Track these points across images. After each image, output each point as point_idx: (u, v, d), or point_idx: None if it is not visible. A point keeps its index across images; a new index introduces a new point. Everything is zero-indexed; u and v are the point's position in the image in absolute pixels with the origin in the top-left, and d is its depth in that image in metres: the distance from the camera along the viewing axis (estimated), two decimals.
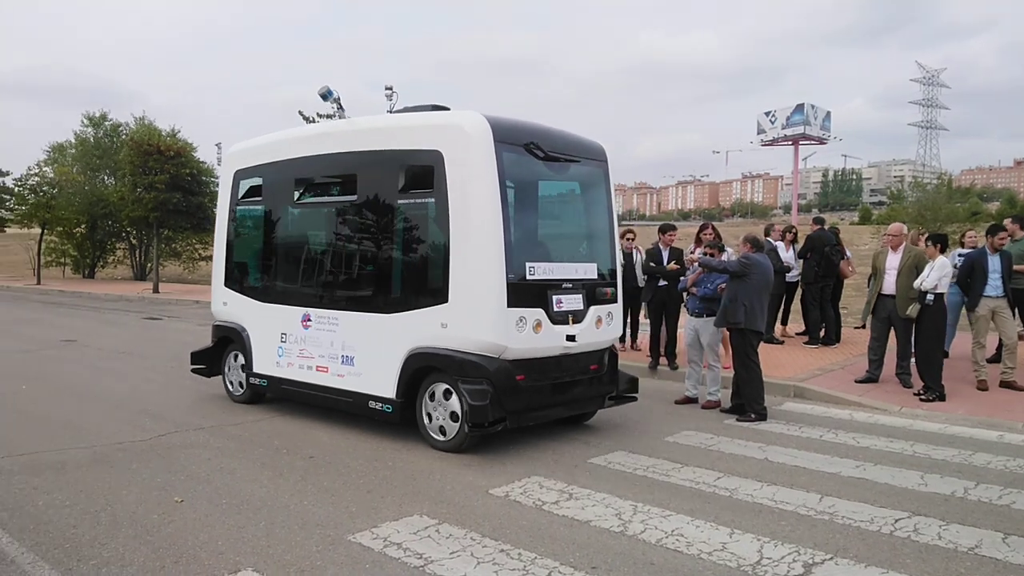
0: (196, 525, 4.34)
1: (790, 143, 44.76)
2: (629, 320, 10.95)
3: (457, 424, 5.91)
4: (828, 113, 44.38)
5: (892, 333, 8.67)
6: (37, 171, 31.86)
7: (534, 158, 6.24)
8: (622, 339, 11.02)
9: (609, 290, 6.74)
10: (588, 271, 6.65)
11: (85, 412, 7.29)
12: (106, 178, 32.39)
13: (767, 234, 11.48)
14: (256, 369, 7.55)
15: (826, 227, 11.89)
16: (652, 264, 9.55)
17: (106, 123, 33.83)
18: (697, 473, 5.49)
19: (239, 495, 4.89)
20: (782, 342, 11.62)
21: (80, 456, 5.72)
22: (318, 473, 5.41)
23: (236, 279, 8.04)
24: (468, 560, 3.87)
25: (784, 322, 12.22)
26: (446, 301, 5.94)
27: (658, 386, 9.02)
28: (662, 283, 9.50)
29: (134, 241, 32.71)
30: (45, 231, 30.52)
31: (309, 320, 7.05)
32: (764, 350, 10.09)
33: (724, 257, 8.13)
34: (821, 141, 45.13)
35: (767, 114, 44.27)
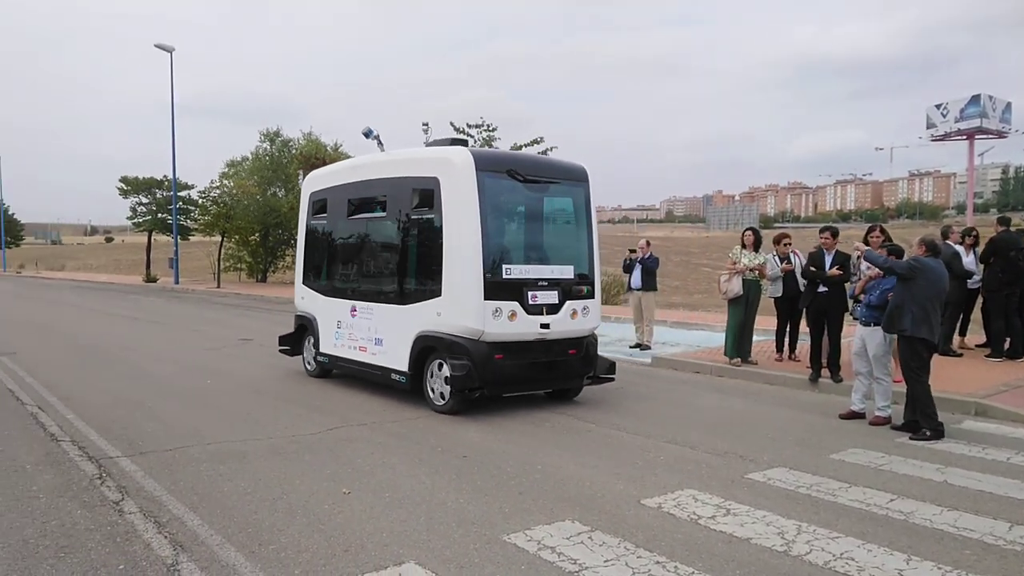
0: (362, 516, 4.59)
1: (964, 138, 41.02)
2: (788, 329, 10.44)
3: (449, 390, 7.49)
4: (1008, 104, 40.26)
5: None
6: (218, 184, 35.06)
7: (515, 180, 7.77)
8: (779, 348, 10.54)
9: (584, 288, 8.11)
10: (564, 272, 8.02)
11: (262, 406, 7.92)
12: (278, 190, 34.95)
13: (945, 237, 10.57)
14: (322, 349, 9.47)
15: (1011, 229, 10.76)
16: (812, 268, 9.04)
17: (278, 139, 36.63)
18: (867, 494, 5.13)
19: (400, 489, 5.11)
20: (960, 354, 10.63)
21: (259, 447, 6.21)
22: (472, 472, 5.55)
23: (309, 278, 9.98)
24: (623, 570, 3.83)
25: (963, 333, 11.18)
26: (440, 295, 7.61)
27: (820, 400, 8.52)
28: (822, 289, 8.96)
29: None
30: (224, 239, 33.48)
31: (355, 311, 8.88)
32: (941, 363, 9.32)
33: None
34: (1000, 135, 41.05)
35: (938, 107, 40.82)
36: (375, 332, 8.52)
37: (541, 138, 19.72)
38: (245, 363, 10.98)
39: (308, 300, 9.92)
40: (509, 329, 7.50)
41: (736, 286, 10.05)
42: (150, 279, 37.77)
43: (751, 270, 10.06)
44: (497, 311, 7.40)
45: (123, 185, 41.06)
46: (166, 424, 6.98)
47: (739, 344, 10.22)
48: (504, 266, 7.58)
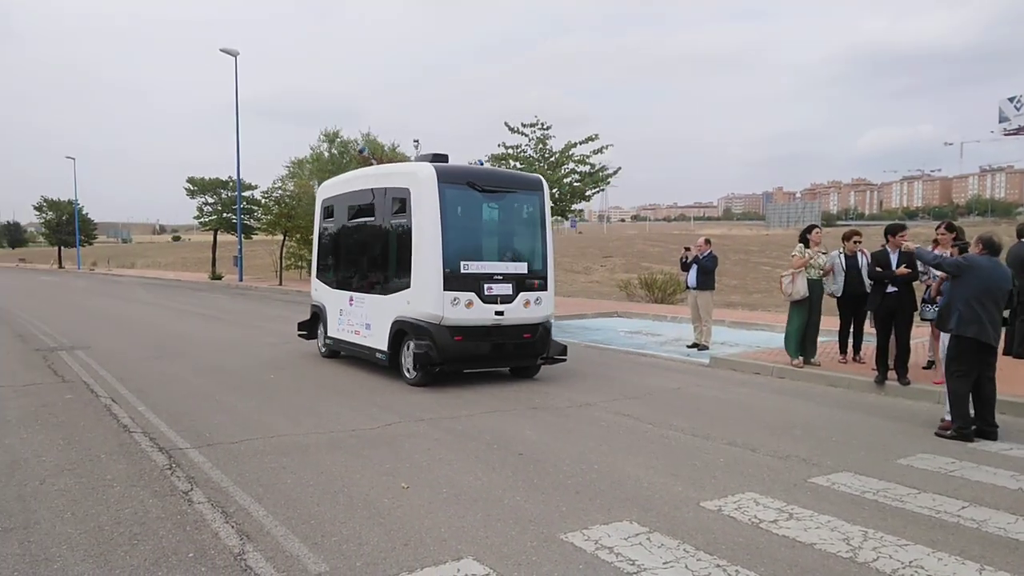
0: (421, 511, 4.65)
1: None
2: (852, 330, 10.14)
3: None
4: None
5: None
6: (280, 184, 35.93)
7: (474, 191, 9.16)
8: (843, 350, 10.26)
9: (536, 281, 9.36)
10: (519, 268, 9.31)
11: (322, 400, 8.09)
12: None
13: (1020, 235, 10.11)
14: (329, 333, 11.12)
15: None
16: (879, 269, 8.76)
17: (337, 139, 37.34)
18: (937, 501, 4.95)
19: (457, 486, 5.16)
20: None
21: (320, 440, 6.35)
22: (527, 470, 5.56)
23: (321, 273, 11.66)
24: (682, 572, 3.78)
25: None
26: (410, 287, 9.01)
27: (887, 403, 8.26)
28: (892, 289, 8.67)
29: None
30: (286, 238, 34.30)
31: (352, 300, 10.44)
32: (1014, 365, 8.93)
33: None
34: None
35: (1011, 100, 39.33)
36: (366, 318, 10.09)
37: (596, 135, 19.54)
38: (306, 358, 11.24)
39: (320, 292, 11.65)
40: (466, 315, 8.84)
41: (801, 287, 9.79)
42: (215, 277, 38.99)
43: (816, 269, 9.80)
44: (455, 300, 8.76)
45: (190, 186, 42.48)
46: (232, 417, 7.20)
47: (802, 345, 9.98)
48: (462, 262, 8.87)
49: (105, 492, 4.94)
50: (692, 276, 12.53)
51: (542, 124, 19.83)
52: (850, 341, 10.22)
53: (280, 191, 35.08)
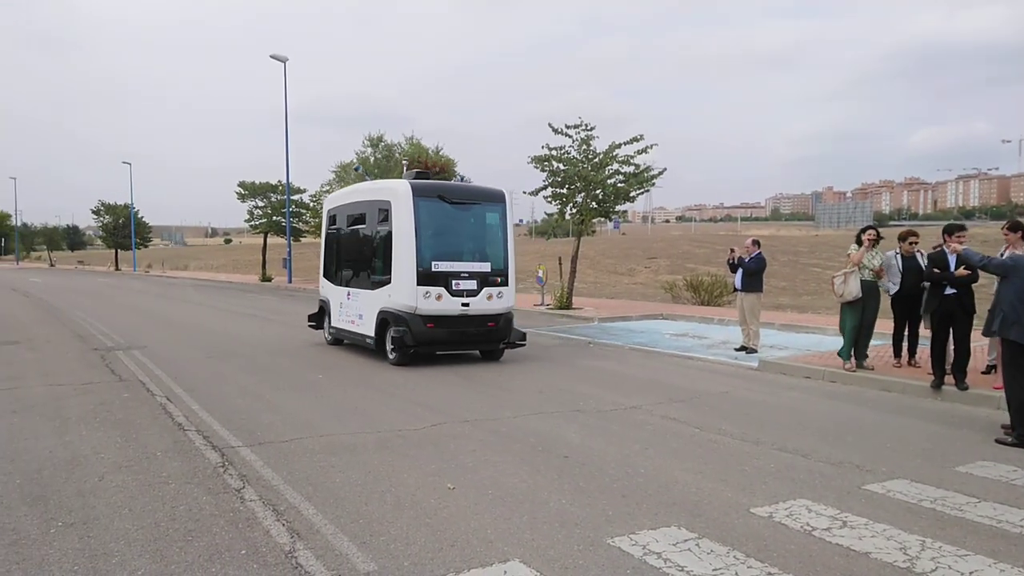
0: (467, 512, 4.66)
1: None
2: (907, 333, 9.86)
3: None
4: None
5: None
6: (328, 188, 36.47)
7: (445, 203, 10.88)
8: (897, 353, 10.00)
9: (499, 278, 10.99)
10: (483, 267, 10.94)
11: (369, 400, 8.19)
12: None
13: None
14: (332, 324, 12.91)
15: None
16: (936, 270, 8.49)
17: (381, 143, 37.78)
18: (998, 510, 4.78)
19: (503, 487, 5.16)
20: None
21: (367, 440, 6.42)
22: (573, 473, 5.54)
23: (326, 272, 13.41)
24: None
25: None
26: (391, 283, 10.76)
27: (944, 408, 8.01)
28: (949, 291, 8.39)
29: None
30: None
31: (349, 295, 12.27)
32: None
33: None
34: None
35: None
36: (359, 310, 11.83)
37: (641, 135, 19.40)
38: (354, 358, 11.39)
39: (326, 288, 13.43)
40: (437, 307, 10.48)
41: (854, 287, 9.55)
42: (265, 278, 39.79)
43: (870, 270, 9.56)
44: (427, 294, 10.42)
45: (241, 190, 43.38)
46: (283, 416, 7.34)
47: (856, 347, 9.74)
48: (434, 262, 10.51)
49: (161, 489, 5.08)
50: (738, 278, 12.36)
51: (586, 125, 19.76)
52: (905, 344, 9.94)
53: (326, 193, 35.62)
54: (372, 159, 37.38)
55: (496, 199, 11.47)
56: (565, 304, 19.85)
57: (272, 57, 34.11)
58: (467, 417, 7.35)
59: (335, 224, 13.17)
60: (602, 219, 23.91)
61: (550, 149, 20.01)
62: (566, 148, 20.03)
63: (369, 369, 10.46)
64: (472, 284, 10.72)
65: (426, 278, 10.42)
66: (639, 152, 19.43)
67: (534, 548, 4.11)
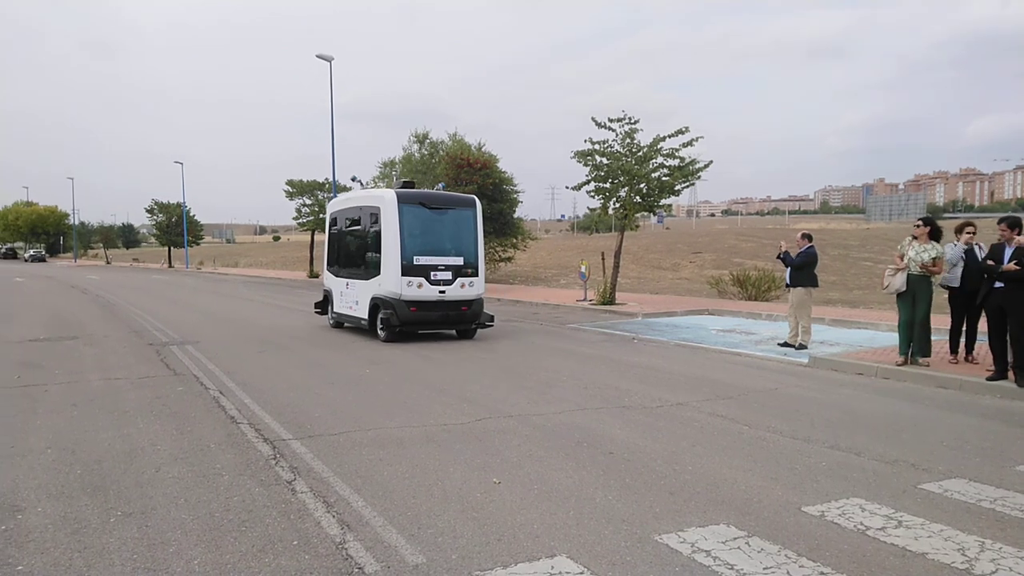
0: (513, 507, 4.68)
1: None
2: (965, 328, 9.57)
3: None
4: None
5: None
6: (373, 185, 36.87)
7: (425, 208, 13.14)
8: (953, 349, 9.72)
9: (469, 270, 13.19)
10: (456, 261, 13.14)
11: (414, 394, 8.27)
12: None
13: None
14: (334, 309, 15.17)
15: None
16: (990, 262, 8.22)
17: (426, 140, 38.05)
18: None
19: (548, 482, 5.16)
20: None
21: (414, 433, 6.49)
22: (618, 469, 5.51)
23: (329, 266, 15.65)
24: None
25: None
26: (380, 274, 12.97)
27: (1002, 406, 7.75)
28: (998, 285, 8.12)
29: None
30: None
31: (348, 285, 14.50)
32: None
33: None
34: None
35: None
36: (355, 297, 14.06)
37: (686, 128, 19.15)
38: (399, 353, 11.51)
39: (328, 279, 15.65)
40: (418, 293, 12.73)
41: (898, 281, 9.37)
42: (313, 275, 40.44)
43: (917, 264, 9.32)
44: (410, 283, 12.67)
45: (289, 188, 44.14)
46: (332, 409, 7.46)
47: (909, 343, 9.50)
48: (415, 257, 12.76)
49: (215, 480, 5.21)
50: (788, 272, 12.20)
51: (630, 119, 19.61)
52: (962, 340, 9.64)
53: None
54: (417, 155, 37.71)
55: (468, 204, 13.80)
56: (608, 300, 19.75)
57: (318, 57, 34.60)
58: (511, 412, 7.36)
59: (336, 225, 15.46)
60: (646, 213, 23.71)
61: (593, 143, 19.91)
62: (609, 142, 19.91)
63: (415, 364, 10.56)
64: (448, 275, 12.96)
65: (409, 270, 12.66)
66: (684, 145, 19.21)
67: (581, 544, 4.10)
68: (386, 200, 12.94)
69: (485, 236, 33.56)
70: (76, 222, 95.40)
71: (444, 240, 13.28)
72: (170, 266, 63.78)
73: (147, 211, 64.79)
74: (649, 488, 5.08)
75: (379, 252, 12.95)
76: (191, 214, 66.68)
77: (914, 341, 9.48)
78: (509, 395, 8.27)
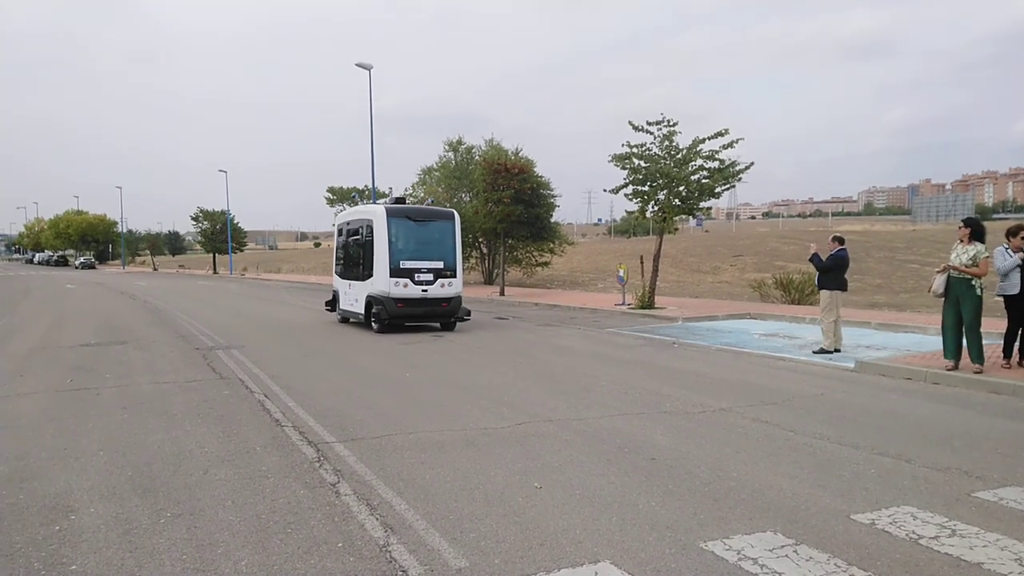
0: (555, 512, 4.66)
1: None
2: (1022, 332, 9.27)
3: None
4: None
5: None
6: (411, 192, 37.16)
7: (410, 220, 15.47)
8: (1007, 354, 9.44)
9: (448, 272, 15.37)
10: (437, 264, 15.31)
11: (454, 398, 8.30)
12: (464, 195, 36.48)
13: None
14: (340, 307, 17.73)
15: None
16: None
17: (461, 147, 38.22)
18: None
19: (590, 488, 5.13)
20: None
21: (454, 437, 6.51)
22: (661, 475, 5.45)
23: (336, 270, 18.20)
24: None
25: None
26: (373, 276, 15.28)
27: None
28: None
29: (484, 250, 36.48)
30: None
31: (350, 286, 16.95)
32: None
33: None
34: None
35: None
36: (355, 296, 16.47)
37: (726, 130, 18.92)
38: (438, 357, 11.57)
39: (336, 281, 18.21)
40: (404, 292, 14.93)
41: (937, 284, 9.24)
42: None
43: (954, 268, 9.12)
44: (397, 283, 14.89)
45: (329, 194, 44.79)
46: (374, 413, 7.53)
47: (957, 347, 9.25)
48: (401, 262, 14.99)
49: (261, 482, 5.29)
50: (817, 275, 12.28)
51: (668, 121, 19.46)
52: (1017, 345, 9.35)
53: (411, 198, 36.28)
54: (453, 163, 37.90)
55: (448, 217, 16.10)
56: (647, 303, 19.59)
57: (357, 65, 35.04)
58: (550, 417, 7.34)
59: (341, 235, 18.03)
60: (684, 217, 23.48)
61: (631, 147, 19.81)
62: (647, 145, 19.78)
63: (453, 369, 10.61)
64: (430, 276, 15.17)
65: (396, 272, 14.91)
66: (724, 147, 19.00)
67: (624, 549, 4.07)
68: (377, 214, 15.42)
69: (521, 241, 34.07)
70: (124, 230, 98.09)
71: (426, 247, 15.50)
72: (215, 272, 65.09)
73: (192, 219, 66.27)
74: (693, 494, 5.01)
75: (371, 258, 15.34)
76: (235, 221, 68.00)
77: (970, 346, 9.22)
78: (548, 399, 8.25)
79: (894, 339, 13.28)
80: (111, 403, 8.16)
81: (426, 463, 5.73)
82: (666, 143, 19.57)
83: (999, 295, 9.33)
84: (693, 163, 19.41)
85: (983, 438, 6.50)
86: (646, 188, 19.91)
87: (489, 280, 35.36)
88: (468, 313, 16.00)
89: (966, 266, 9.04)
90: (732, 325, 16.29)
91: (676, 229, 22.68)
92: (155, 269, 77.36)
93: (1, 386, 9.30)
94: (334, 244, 18.77)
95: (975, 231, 9.26)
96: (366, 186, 43.01)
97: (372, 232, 15.37)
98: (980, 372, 9.02)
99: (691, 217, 25.14)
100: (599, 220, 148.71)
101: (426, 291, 15.06)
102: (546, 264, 34.68)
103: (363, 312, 15.83)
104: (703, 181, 19.48)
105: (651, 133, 19.63)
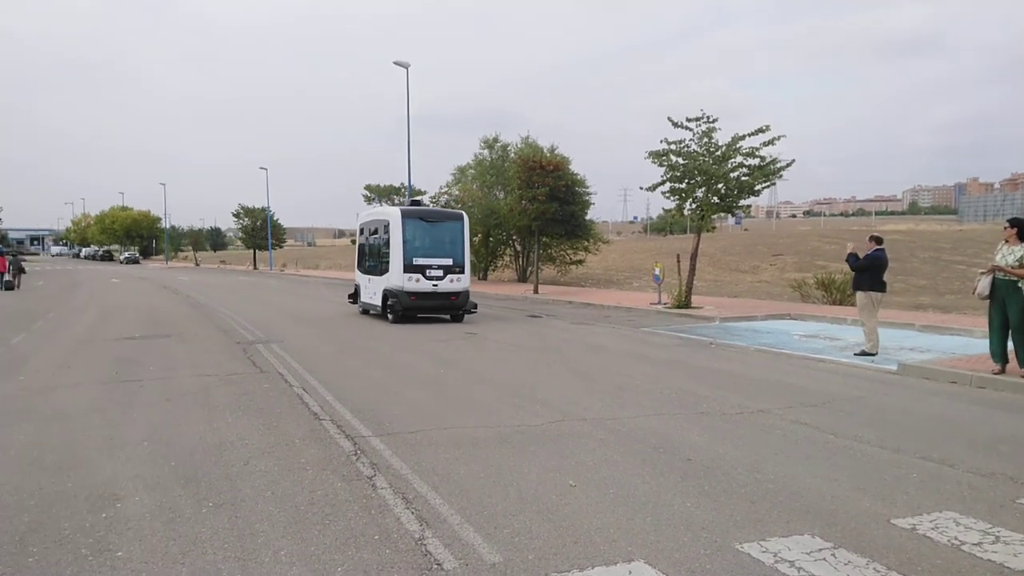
0: (589, 510, 4.66)
1: None
2: None
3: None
4: None
5: None
6: (446, 190, 37.37)
7: (423, 221, 17.08)
8: None
9: (457, 268, 16.83)
10: (447, 261, 16.77)
11: (489, 395, 8.33)
12: (498, 193, 36.53)
13: None
14: (361, 300, 19.13)
15: None
16: None
17: (496, 144, 38.27)
18: None
19: (624, 487, 5.12)
20: None
21: (488, 434, 6.55)
22: (697, 476, 5.42)
23: (359, 266, 19.65)
24: None
25: None
26: (389, 272, 16.80)
27: None
28: None
29: (518, 247, 36.51)
30: None
31: (369, 281, 18.44)
32: None
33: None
34: None
35: None
36: (374, 289, 17.94)
37: (767, 126, 18.67)
38: (472, 354, 11.63)
39: (358, 276, 19.65)
40: (417, 286, 16.39)
41: (981, 285, 8.99)
42: None
43: (1000, 270, 8.87)
44: (410, 278, 16.35)
45: (367, 192, 45.22)
46: (408, 408, 7.60)
47: (1003, 350, 9.01)
48: (414, 259, 16.46)
49: (300, 474, 5.39)
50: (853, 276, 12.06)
51: (708, 117, 19.26)
52: None
53: (447, 196, 36.49)
54: (488, 160, 37.98)
55: (457, 219, 17.77)
56: (684, 303, 19.43)
57: (395, 63, 35.29)
58: (584, 416, 7.33)
59: (362, 234, 19.58)
60: (723, 215, 23.21)
61: (668, 143, 19.64)
62: (686, 141, 19.60)
63: (488, 366, 10.65)
64: (440, 272, 16.60)
65: (410, 268, 16.41)
66: (765, 144, 18.74)
67: (659, 549, 4.05)
68: (393, 215, 17.01)
69: (555, 239, 34.07)
70: (167, 226, 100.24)
71: (437, 246, 16.98)
72: (255, 268, 66.19)
73: (234, 215, 67.46)
74: (729, 496, 4.97)
75: (388, 255, 16.86)
76: (275, 218, 69.06)
77: (1019, 349, 8.97)
78: (582, 398, 8.24)
79: (939, 341, 12.97)
80: (155, 395, 8.37)
81: (460, 459, 5.77)
82: (705, 140, 19.37)
83: None
84: (732, 160, 19.18)
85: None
86: (684, 185, 19.74)
87: (523, 278, 35.39)
88: (475, 306, 17.49)
89: (1012, 267, 8.80)
90: (771, 326, 16.07)
91: (714, 227, 22.44)
92: (197, 264, 78.94)
93: (50, 377, 9.59)
94: (356, 243, 20.39)
95: (1022, 231, 8.99)
96: (402, 183, 43.36)
97: (389, 231, 16.88)
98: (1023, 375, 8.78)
99: (730, 215, 24.82)
100: (635, 218, 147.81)
101: (436, 286, 16.49)
102: (580, 262, 34.57)
103: (380, 304, 17.17)
104: (743, 179, 19.24)
105: (690, 130, 19.45)
